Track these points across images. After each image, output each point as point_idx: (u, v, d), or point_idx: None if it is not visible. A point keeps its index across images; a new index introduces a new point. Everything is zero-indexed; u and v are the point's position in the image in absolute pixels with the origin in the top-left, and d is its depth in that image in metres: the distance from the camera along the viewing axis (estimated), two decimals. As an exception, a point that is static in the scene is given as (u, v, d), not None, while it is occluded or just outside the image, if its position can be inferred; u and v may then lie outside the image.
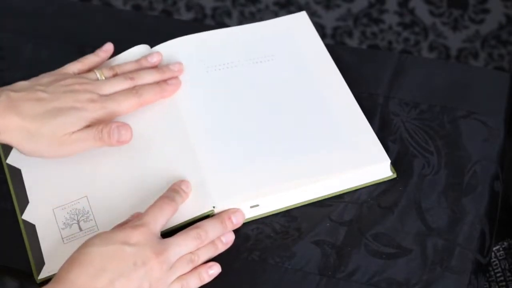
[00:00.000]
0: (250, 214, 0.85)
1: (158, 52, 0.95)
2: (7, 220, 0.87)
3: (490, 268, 1.07)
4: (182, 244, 0.80)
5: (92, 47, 1.01)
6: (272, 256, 0.83)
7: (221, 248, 0.83)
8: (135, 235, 0.77)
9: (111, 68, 0.92)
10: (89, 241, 0.77)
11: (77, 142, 0.86)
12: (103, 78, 0.91)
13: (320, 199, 0.87)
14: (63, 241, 0.84)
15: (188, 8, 1.91)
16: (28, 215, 0.87)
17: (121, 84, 0.90)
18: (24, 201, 0.88)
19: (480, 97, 0.96)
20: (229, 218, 0.84)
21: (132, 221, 0.80)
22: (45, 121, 0.84)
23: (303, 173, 0.86)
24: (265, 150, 0.88)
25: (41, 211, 0.86)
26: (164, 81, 0.92)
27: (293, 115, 0.91)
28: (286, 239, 0.84)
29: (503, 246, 1.08)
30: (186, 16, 1.91)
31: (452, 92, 0.97)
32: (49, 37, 1.04)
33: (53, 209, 0.86)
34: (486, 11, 1.79)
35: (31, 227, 0.86)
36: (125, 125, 0.87)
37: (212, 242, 0.82)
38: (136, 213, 0.83)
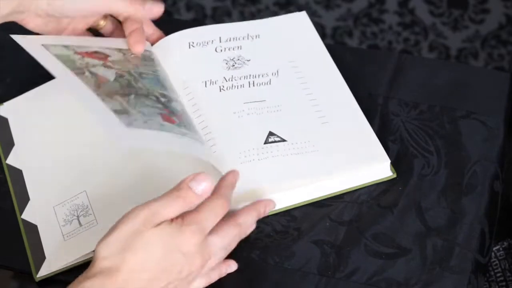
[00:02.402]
0: (250, 214, 0.86)
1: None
2: (6, 220, 0.87)
3: (490, 268, 1.07)
4: (226, 242, 0.78)
5: (92, 47, 1.01)
6: (271, 255, 0.83)
7: (223, 272, 0.82)
8: (192, 239, 0.74)
9: None
10: (145, 238, 0.73)
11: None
12: None
13: (320, 199, 0.87)
14: (63, 238, 0.84)
15: (188, 8, 1.91)
16: (27, 215, 0.87)
17: None
18: (23, 201, 0.88)
19: (480, 97, 0.96)
20: (264, 207, 0.82)
21: (190, 217, 0.75)
22: None
23: (303, 173, 0.86)
24: (264, 151, 0.88)
25: (41, 210, 0.87)
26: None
27: (293, 115, 0.91)
28: (285, 239, 0.84)
29: (503, 246, 1.08)
30: (186, 16, 1.91)
31: (452, 92, 0.97)
32: (49, 37, 1.04)
33: (53, 207, 0.86)
34: (486, 11, 1.79)
35: (31, 227, 0.86)
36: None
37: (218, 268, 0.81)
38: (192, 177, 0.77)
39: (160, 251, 0.73)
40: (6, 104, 0.95)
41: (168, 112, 0.86)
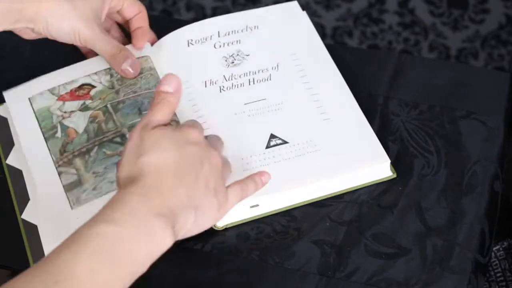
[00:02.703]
0: (250, 214, 0.85)
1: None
2: (6, 220, 0.87)
3: (490, 268, 1.07)
4: (215, 139, 0.84)
5: (92, 47, 1.01)
6: (271, 255, 0.83)
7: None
8: (195, 134, 0.77)
9: None
10: (151, 148, 0.74)
11: (95, 40, 0.91)
12: None
13: (320, 199, 0.87)
14: (71, 207, 0.84)
15: (188, 8, 1.91)
16: (27, 215, 0.87)
17: None
18: (23, 201, 0.88)
19: (480, 97, 0.96)
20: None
21: (181, 124, 0.81)
22: None
23: (303, 173, 0.86)
24: (266, 156, 0.88)
25: (45, 187, 0.86)
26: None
27: (294, 113, 0.91)
28: (285, 239, 0.84)
29: (503, 246, 1.08)
30: (186, 16, 1.91)
31: (452, 92, 0.97)
32: (49, 37, 1.04)
33: (58, 180, 0.87)
34: (486, 11, 1.79)
35: (31, 227, 0.86)
36: (137, 62, 0.92)
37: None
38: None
39: (171, 144, 0.74)
40: (5, 94, 0.95)
41: None
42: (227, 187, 0.80)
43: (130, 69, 0.92)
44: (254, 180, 0.83)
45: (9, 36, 0.96)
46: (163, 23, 0.99)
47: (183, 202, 0.73)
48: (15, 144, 0.92)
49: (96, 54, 0.95)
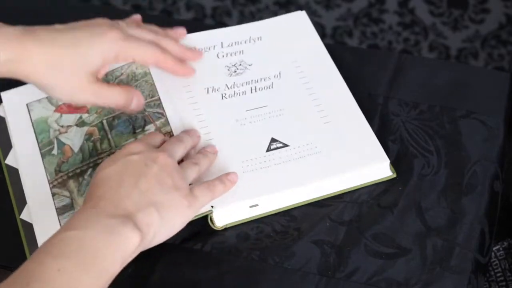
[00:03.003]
0: (250, 213, 0.85)
1: (183, 29, 0.96)
2: (6, 220, 0.87)
3: (490, 268, 1.07)
4: (173, 144, 0.84)
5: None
6: (271, 255, 0.83)
7: (211, 156, 0.86)
8: (136, 146, 0.81)
9: (138, 24, 0.92)
10: (98, 169, 0.80)
11: (94, 94, 0.84)
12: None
13: (320, 199, 0.87)
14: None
15: (188, 7, 1.91)
16: (26, 215, 0.87)
17: (148, 35, 0.89)
18: (22, 201, 0.88)
19: (480, 97, 0.96)
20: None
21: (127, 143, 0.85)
22: (65, 48, 0.81)
23: (302, 173, 0.86)
24: (266, 159, 0.88)
25: (39, 207, 0.86)
26: (183, 60, 0.92)
27: (292, 115, 0.91)
28: (285, 239, 0.84)
29: (503, 246, 1.08)
30: (186, 15, 1.91)
31: (452, 92, 0.97)
32: (49, 36, 1.04)
33: (51, 201, 0.87)
34: (486, 11, 1.79)
35: (29, 227, 0.86)
36: (141, 97, 0.88)
37: (200, 152, 0.86)
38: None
39: (112, 159, 0.80)
40: (3, 95, 0.95)
41: None
42: (194, 186, 0.82)
43: (137, 107, 0.88)
44: (221, 180, 0.84)
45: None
46: (163, 23, 0.99)
47: (137, 201, 0.77)
48: (13, 141, 0.92)
49: None
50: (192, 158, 0.85)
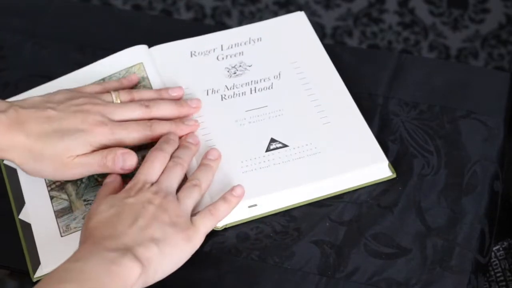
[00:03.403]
0: (249, 214, 0.85)
1: (180, 87, 0.92)
2: (5, 220, 0.87)
3: (490, 268, 1.07)
4: (169, 175, 0.84)
5: (91, 47, 1.01)
6: (271, 256, 0.83)
7: (214, 164, 0.86)
8: (133, 190, 0.82)
9: (129, 92, 0.90)
10: (98, 209, 0.80)
11: (80, 166, 0.84)
12: (119, 101, 0.89)
13: (320, 199, 0.87)
14: (61, 235, 0.84)
15: (188, 7, 1.91)
16: (24, 215, 0.87)
17: (135, 112, 0.87)
18: (21, 201, 0.88)
19: (480, 97, 0.96)
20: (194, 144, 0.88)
21: (127, 185, 0.83)
22: (50, 141, 0.83)
23: (301, 173, 0.86)
24: (266, 159, 0.88)
25: (37, 210, 0.86)
26: (180, 118, 0.90)
27: (294, 117, 0.91)
28: (285, 239, 0.84)
29: (503, 246, 1.08)
30: (186, 15, 1.91)
31: (451, 92, 0.97)
32: (49, 36, 1.04)
33: (49, 204, 0.87)
34: (486, 10, 1.79)
35: (28, 227, 0.86)
36: (130, 152, 0.85)
37: (202, 164, 0.86)
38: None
39: (109, 203, 0.81)
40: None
41: None
42: (195, 214, 0.82)
43: (127, 165, 0.85)
44: (225, 199, 0.84)
45: (9, 36, 0.96)
46: (162, 23, 0.99)
47: (136, 237, 0.78)
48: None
49: None
50: (192, 179, 0.84)
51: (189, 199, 0.83)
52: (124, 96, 0.89)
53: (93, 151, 0.85)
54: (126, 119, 0.87)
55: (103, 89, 0.91)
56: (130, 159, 0.85)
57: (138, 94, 0.90)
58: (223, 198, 0.84)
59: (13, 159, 0.84)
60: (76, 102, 0.86)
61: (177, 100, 0.91)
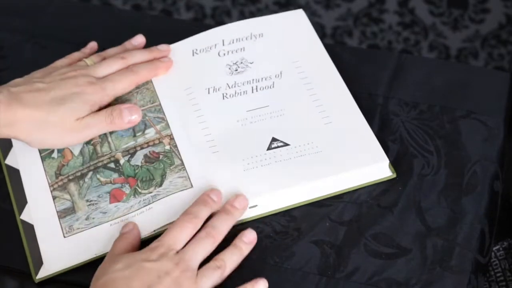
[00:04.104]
0: (249, 214, 0.85)
1: (140, 35, 0.97)
2: (6, 220, 0.87)
3: (490, 268, 1.07)
4: (196, 247, 0.80)
5: (91, 47, 1.01)
6: (271, 256, 0.83)
7: (245, 248, 0.82)
8: (154, 254, 0.78)
9: (98, 55, 0.94)
10: (112, 267, 0.78)
11: (88, 127, 0.87)
12: (93, 63, 0.92)
13: (320, 199, 0.87)
14: (64, 235, 0.84)
15: (188, 7, 1.91)
16: (26, 215, 0.87)
17: (115, 65, 0.92)
18: (22, 201, 0.88)
19: (480, 97, 0.96)
20: (233, 206, 0.83)
21: (152, 244, 0.80)
22: (51, 109, 0.85)
23: (303, 172, 0.86)
24: (267, 156, 0.88)
25: (39, 210, 0.87)
26: (157, 59, 0.94)
27: (296, 117, 0.91)
28: (285, 239, 0.84)
29: (503, 246, 1.08)
30: (186, 15, 1.91)
31: (451, 92, 0.97)
32: (49, 36, 1.04)
33: (52, 204, 0.87)
34: (486, 10, 1.79)
35: (30, 227, 0.86)
36: (133, 106, 0.89)
37: (234, 245, 0.82)
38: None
39: (126, 271, 0.77)
40: None
41: (121, 181, 0.87)
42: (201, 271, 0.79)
43: (133, 117, 0.89)
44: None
45: (9, 36, 0.96)
46: (162, 23, 0.99)
47: None
48: (13, 145, 0.92)
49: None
50: (217, 259, 0.80)
51: (208, 280, 0.79)
52: (96, 58, 0.94)
53: (92, 112, 0.87)
54: (109, 74, 0.91)
55: (71, 61, 0.94)
56: (135, 111, 0.89)
57: (106, 53, 0.95)
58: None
59: (18, 133, 0.85)
60: (58, 72, 0.89)
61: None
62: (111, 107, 0.89)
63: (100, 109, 0.89)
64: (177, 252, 0.79)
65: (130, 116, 0.88)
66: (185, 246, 0.80)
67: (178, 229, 0.81)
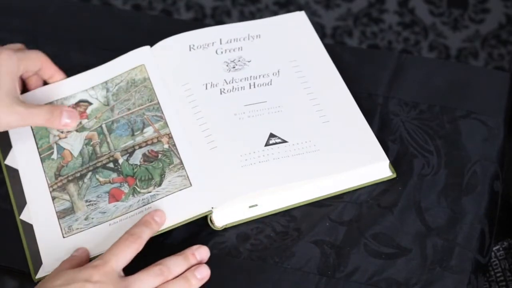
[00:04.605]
0: (249, 214, 0.85)
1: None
2: (6, 220, 0.87)
3: (490, 268, 1.07)
4: (145, 280, 0.78)
5: (91, 47, 1.01)
6: (271, 255, 0.83)
7: (195, 283, 0.80)
8: (97, 274, 0.76)
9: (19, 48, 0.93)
10: (51, 282, 0.76)
11: (31, 116, 0.88)
12: None
13: (320, 199, 0.87)
14: (63, 236, 0.84)
15: (188, 7, 1.91)
16: (26, 215, 0.87)
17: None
18: (22, 201, 0.88)
19: (480, 97, 0.96)
20: (193, 254, 0.81)
21: (94, 260, 0.79)
22: None
23: (302, 173, 0.86)
24: (265, 153, 0.88)
25: (39, 210, 0.87)
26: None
27: (294, 115, 0.91)
28: (285, 239, 0.84)
29: (503, 246, 1.08)
30: (186, 15, 1.91)
31: (451, 92, 0.97)
32: (49, 36, 1.04)
33: (51, 204, 0.87)
34: (486, 10, 1.79)
35: (29, 227, 0.86)
36: (73, 111, 0.90)
37: (184, 277, 0.80)
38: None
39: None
40: None
41: (120, 181, 0.87)
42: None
43: (69, 121, 0.90)
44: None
45: (9, 36, 0.96)
46: (162, 23, 0.99)
47: None
48: (13, 146, 0.92)
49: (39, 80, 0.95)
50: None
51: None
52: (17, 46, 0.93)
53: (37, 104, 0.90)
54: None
55: None
56: (73, 116, 0.90)
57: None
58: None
59: None
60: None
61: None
62: (54, 106, 0.91)
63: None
64: (122, 276, 0.78)
65: (67, 119, 0.89)
66: (134, 274, 0.78)
67: (122, 248, 0.79)
